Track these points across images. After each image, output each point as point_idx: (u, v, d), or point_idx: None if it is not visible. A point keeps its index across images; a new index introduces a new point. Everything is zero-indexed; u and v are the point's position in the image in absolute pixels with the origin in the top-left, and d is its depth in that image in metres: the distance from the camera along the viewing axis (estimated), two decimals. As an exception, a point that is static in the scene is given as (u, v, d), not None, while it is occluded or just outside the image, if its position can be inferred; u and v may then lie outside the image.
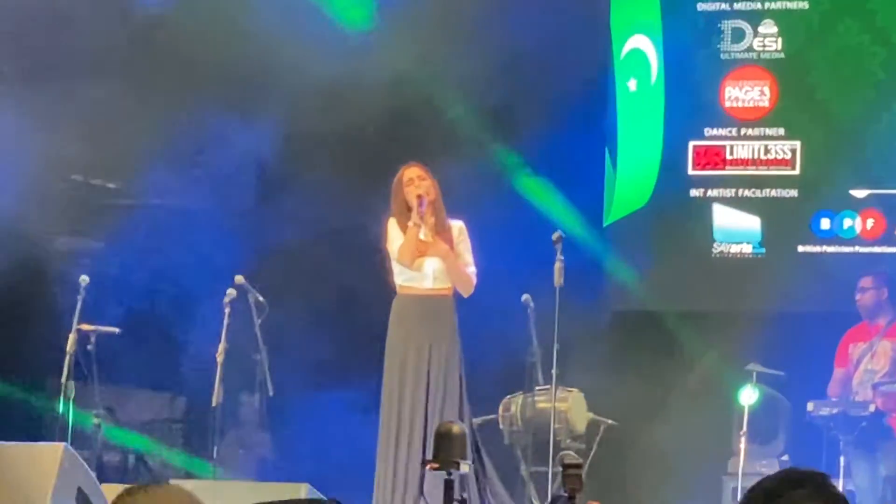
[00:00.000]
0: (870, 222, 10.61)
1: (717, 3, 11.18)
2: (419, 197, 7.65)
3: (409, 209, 7.74)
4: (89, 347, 8.81)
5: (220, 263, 9.74)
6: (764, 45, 11.01)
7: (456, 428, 6.20)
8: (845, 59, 10.79)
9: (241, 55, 10.74)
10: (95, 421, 8.77)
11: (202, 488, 7.57)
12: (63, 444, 7.10)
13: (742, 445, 8.72)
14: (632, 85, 11.48)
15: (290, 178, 11.29)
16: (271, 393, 8.71)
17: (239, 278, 8.60)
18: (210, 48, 10.36)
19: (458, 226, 8.05)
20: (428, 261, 7.75)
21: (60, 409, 8.61)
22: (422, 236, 7.67)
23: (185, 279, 10.39)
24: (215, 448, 8.62)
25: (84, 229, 11.17)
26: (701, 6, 11.23)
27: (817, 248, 10.66)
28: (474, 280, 7.84)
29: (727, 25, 10.96)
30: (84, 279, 8.66)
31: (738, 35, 10.99)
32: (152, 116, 10.40)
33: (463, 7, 10.95)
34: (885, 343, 8.98)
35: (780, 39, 11.06)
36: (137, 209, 11.21)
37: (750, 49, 10.94)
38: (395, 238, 7.71)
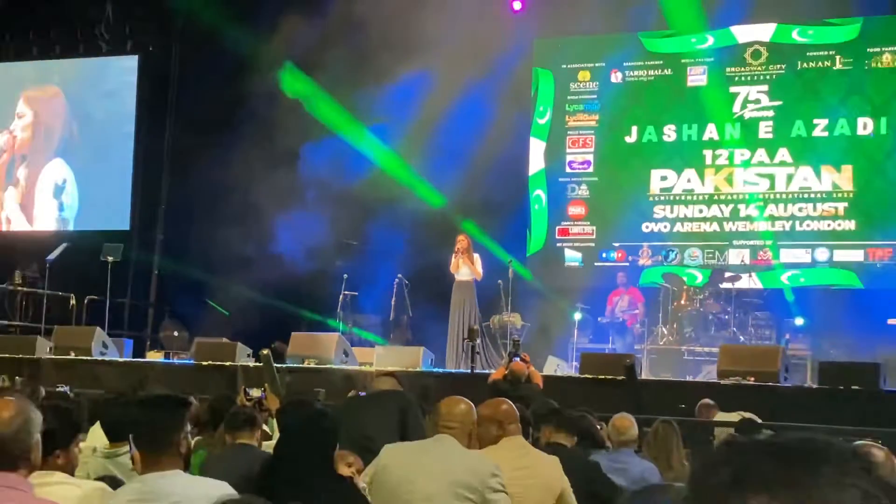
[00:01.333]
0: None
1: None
2: (456, 251, 13.57)
3: (456, 252, 13.68)
4: (348, 299, 14.66)
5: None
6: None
7: (475, 328, 12.87)
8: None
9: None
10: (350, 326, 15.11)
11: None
12: (337, 333, 13.88)
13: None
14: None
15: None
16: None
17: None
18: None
19: (476, 256, 13.77)
20: (462, 269, 13.62)
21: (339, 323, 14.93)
22: (460, 264, 13.50)
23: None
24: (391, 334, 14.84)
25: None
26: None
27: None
28: (481, 273, 13.76)
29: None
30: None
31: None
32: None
33: (430, 114, 14.66)
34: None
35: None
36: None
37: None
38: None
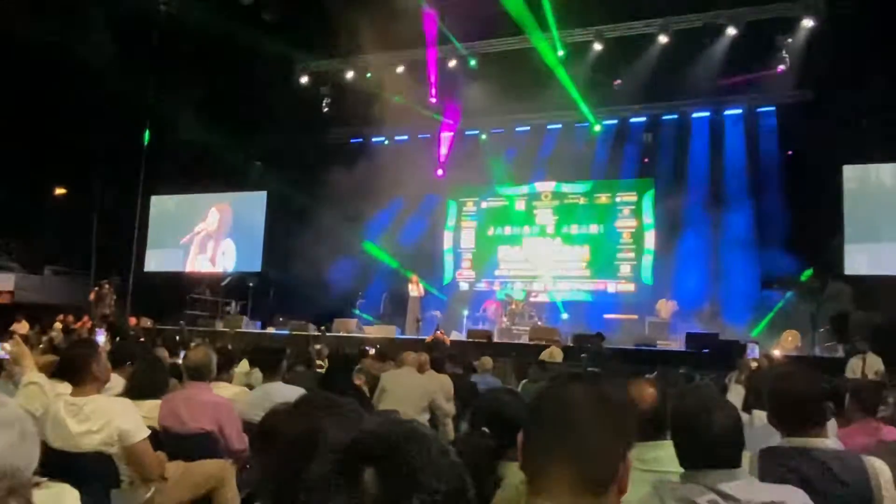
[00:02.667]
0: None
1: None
2: (411, 281, 15.05)
3: (411, 282, 15.11)
4: (361, 303, 17.09)
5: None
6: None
7: (419, 318, 17.46)
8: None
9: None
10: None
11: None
12: (355, 319, 16.55)
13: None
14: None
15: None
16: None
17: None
18: None
19: (421, 285, 15.16)
20: (413, 290, 15.08)
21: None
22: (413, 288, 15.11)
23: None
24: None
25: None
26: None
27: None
28: (423, 293, 15.67)
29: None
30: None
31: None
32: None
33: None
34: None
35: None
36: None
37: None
38: None
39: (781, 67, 13.87)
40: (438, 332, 13.47)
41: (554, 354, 10.84)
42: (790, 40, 13.78)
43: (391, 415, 1.07)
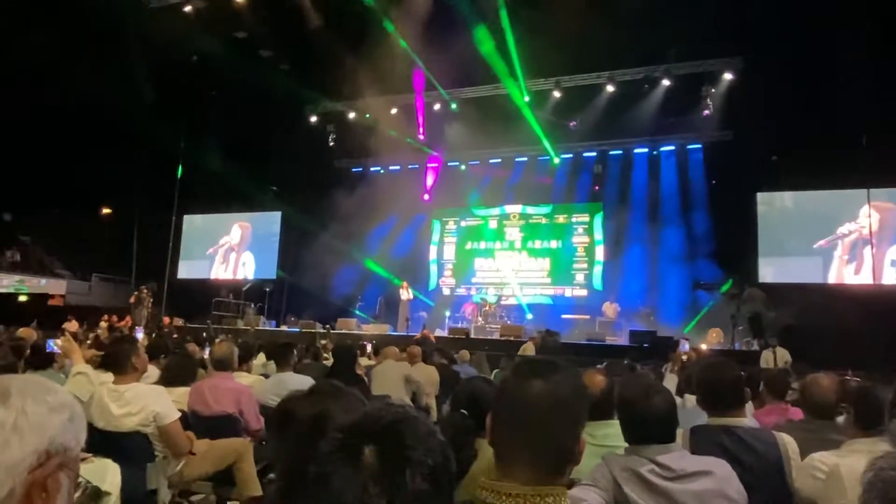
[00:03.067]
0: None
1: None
2: (402, 286, 14.95)
3: (402, 287, 14.98)
4: (359, 304, 19.77)
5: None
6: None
7: (408, 317, 17.13)
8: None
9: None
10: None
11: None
12: (355, 319, 15.72)
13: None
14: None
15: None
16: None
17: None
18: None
19: (410, 290, 14.88)
20: (404, 294, 14.74)
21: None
22: (404, 293, 14.93)
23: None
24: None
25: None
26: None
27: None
28: (412, 297, 15.82)
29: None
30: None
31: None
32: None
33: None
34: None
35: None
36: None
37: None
38: None
39: (706, 112, 14.13)
40: (425, 330, 13.32)
41: (527, 349, 10.68)
42: (714, 90, 14.06)
43: (386, 400, 1.04)
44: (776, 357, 9.03)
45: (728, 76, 13.70)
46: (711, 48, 13.11)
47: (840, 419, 2.51)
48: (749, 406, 3.06)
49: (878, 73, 10.49)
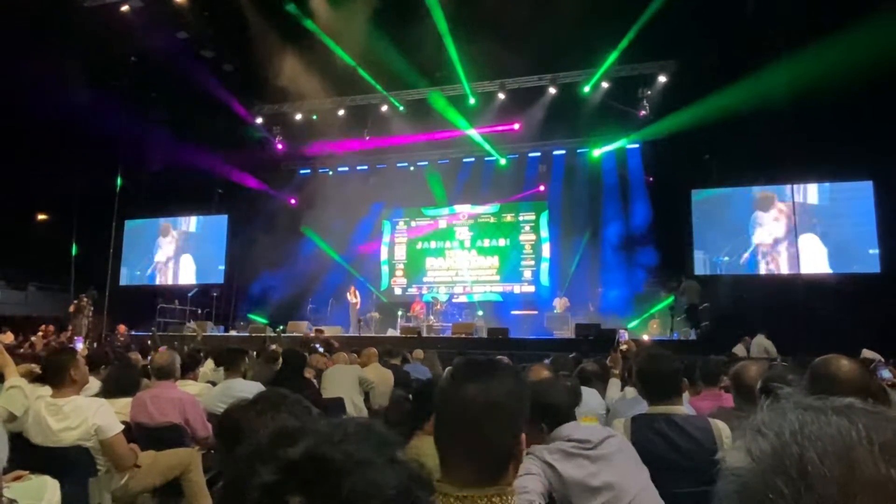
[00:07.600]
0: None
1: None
2: (351, 291, 16.01)
3: (350, 292, 16.28)
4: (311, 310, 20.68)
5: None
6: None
7: (360, 319, 17.98)
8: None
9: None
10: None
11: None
12: (307, 322, 15.91)
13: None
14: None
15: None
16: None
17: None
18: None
19: (357, 293, 15.24)
20: (352, 299, 15.74)
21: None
22: (352, 297, 16.86)
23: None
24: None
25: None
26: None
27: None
28: (360, 302, 15.73)
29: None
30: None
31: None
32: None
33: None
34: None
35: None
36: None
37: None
38: None
39: (643, 112, 14.36)
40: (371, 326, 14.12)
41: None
42: (649, 92, 14.30)
43: (337, 415, 0.97)
44: (748, 347, 9.37)
45: (662, 78, 13.98)
46: (648, 51, 13.44)
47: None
48: (686, 394, 3.15)
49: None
